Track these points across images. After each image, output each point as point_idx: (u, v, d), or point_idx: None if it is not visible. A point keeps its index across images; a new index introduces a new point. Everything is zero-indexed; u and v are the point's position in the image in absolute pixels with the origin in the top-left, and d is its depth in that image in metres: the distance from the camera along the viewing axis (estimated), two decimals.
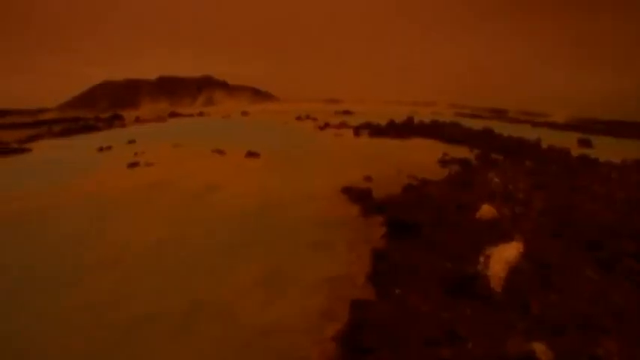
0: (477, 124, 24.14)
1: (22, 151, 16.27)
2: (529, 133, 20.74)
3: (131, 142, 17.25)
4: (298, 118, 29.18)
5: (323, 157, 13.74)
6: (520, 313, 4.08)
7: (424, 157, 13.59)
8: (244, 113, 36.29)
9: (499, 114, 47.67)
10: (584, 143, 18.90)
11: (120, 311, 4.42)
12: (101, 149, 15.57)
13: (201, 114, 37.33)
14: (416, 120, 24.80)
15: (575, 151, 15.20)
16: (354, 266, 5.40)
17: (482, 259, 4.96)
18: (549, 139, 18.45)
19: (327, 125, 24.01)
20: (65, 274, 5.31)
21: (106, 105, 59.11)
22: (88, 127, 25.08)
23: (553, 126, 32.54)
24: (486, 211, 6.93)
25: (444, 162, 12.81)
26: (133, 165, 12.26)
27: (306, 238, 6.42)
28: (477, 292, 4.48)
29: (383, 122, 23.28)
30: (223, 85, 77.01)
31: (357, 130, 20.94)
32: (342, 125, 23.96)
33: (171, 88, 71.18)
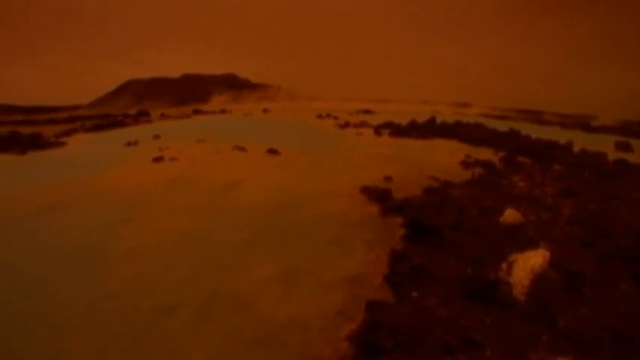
0: (502, 126, 23.28)
1: (58, 145, 17.35)
2: (560, 136, 19.73)
3: (156, 137, 17.92)
4: (319, 117, 29.22)
5: (343, 155, 13.69)
6: (545, 325, 3.89)
7: (446, 159, 13.27)
8: (265, 111, 36.78)
9: (528, 115, 45.64)
10: (623, 147, 17.42)
11: (143, 300, 4.59)
12: (128, 144, 16.29)
13: (223, 111, 38.13)
14: (438, 120, 24.25)
15: (613, 155, 14.19)
16: (372, 266, 5.35)
17: (504, 265, 4.79)
18: (583, 141, 17.52)
19: (347, 124, 23.92)
20: (93, 263, 5.58)
21: (133, 102, 61.56)
22: (116, 123, 26.32)
23: (588, 128, 30.78)
24: (510, 215, 6.68)
25: (466, 164, 12.45)
26: (158, 160, 12.74)
27: (325, 236, 6.42)
28: (497, 299, 4.33)
29: (404, 122, 22.91)
30: (246, 83, 78.32)
31: (378, 130, 20.72)
32: (363, 124, 23.79)
33: (194, 85, 73.17)
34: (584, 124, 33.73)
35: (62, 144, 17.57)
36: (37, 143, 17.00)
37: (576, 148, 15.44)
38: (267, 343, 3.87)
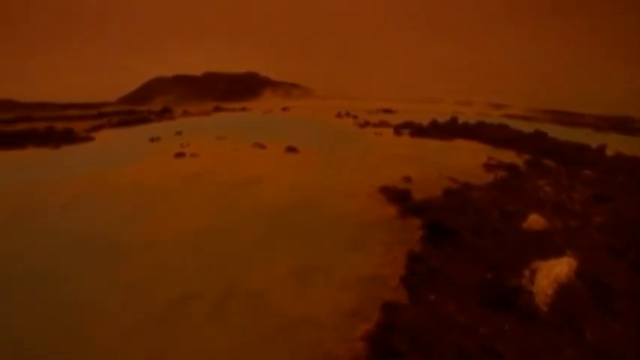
0: (528, 127, 22.37)
1: (88, 139, 18.26)
2: (592, 138, 18.74)
3: (178, 133, 18.44)
4: (338, 115, 29.16)
5: (361, 155, 13.59)
6: (570, 338, 3.71)
7: (467, 160, 12.91)
8: (285, 109, 37.04)
9: (557, 116, 43.28)
10: None
11: (163, 290, 4.75)
12: (152, 139, 16.87)
13: (243, 109, 38.70)
14: (460, 120, 23.60)
15: None
16: (389, 267, 5.29)
17: (527, 272, 4.61)
18: (619, 145, 16.56)
19: (367, 123, 23.73)
20: (116, 252, 5.82)
21: (157, 99, 63.61)
22: (141, 119, 27.31)
23: (625, 130, 28.82)
24: (535, 221, 6.42)
25: (488, 166, 12.07)
26: (179, 155, 13.09)
27: (342, 235, 6.41)
28: (518, 307, 4.16)
29: (425, 122, 22.47)
30: (266, 81, 79.17)
31: (398, 129, 20.45)
32: (383, 123, 23.53)
33: (216, 83, 74.67)
34: (620, 126, 31.74)
35: (91, 139, 18.45)
36: (69, 138, 18.01)
37: (610, 152, 14.61)
38: (280, 338, 3.90)
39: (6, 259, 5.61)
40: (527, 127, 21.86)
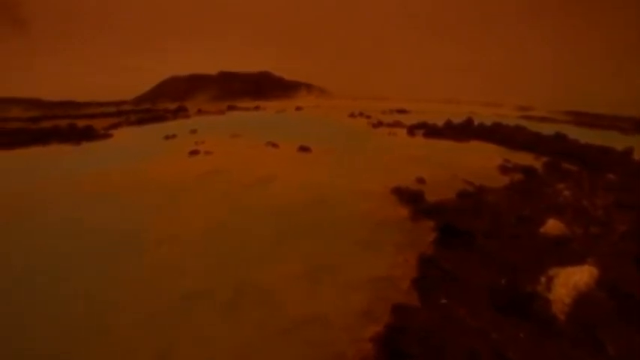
0: (547, 129, 21.69)
1: (107, 136, 18.91)
2: (618, 141, 17.87)
3: (193, 131, 18.78)
4: (351, 115, 29.04)
5: (374, 155, 13.50)
6: (590, 351, 3.54)
7: (482, 162, 12.65)
8: (298, 108, 37.14)
9: (579, 117, 41.51)
10: None
11: (176, 284, 4.85)
12: (167, 137, 17.25)
13: (257, 108, 39.03)
14: (476, 121, 23.10)
15: None
16: (400, 269, 5.24)
17: (543, 278, 4.46)
18: None
19: (380, 123, 23.56)
20: (131, 246, 5.98)
21: (173, 97, 64.90)
22: (157, 117, 28.00)
23: None
24: (552, 226, 6.22)
25: (504, 168, 11.78)
26: (194, 153, 13.33)
27: (354, 235, 6.39)
28: (533, 314, 4.04)
29: (439, 122, 22.11)
30: (279, 81, 79.65)
31: (412, 130, 20.20)
32: (396, 124, 23.31)
33: (230, 82, 75.60)
34: None
35: (110, 136, 19.11)
36: (89, 135, 18.68)
37: (638, 156, 13.99)
38: (290, 336, 3.92)
39: (30, 248, 5.84)
40: (546, 129, 21.22)
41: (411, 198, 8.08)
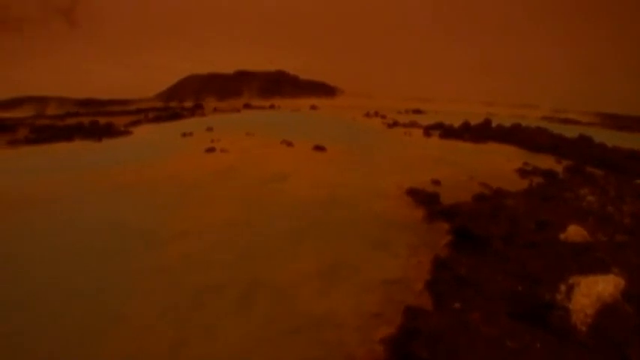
0: (570, 131, 20.95)
1: (126, 133, 19.52)
2: None
3: (209, 129, 19.15)
4: (367, 115, 28.93)
5: (390, 155, 13.40)
6: None
7: (500, 165, 12.35)
8: (313, 107, 37.23)
9: (606, 119, 39.74)
10: None
11: (190, 279, 4.95)
12: (184, 135, 17.63)
13: (272, 106, 39.36)
14: (494, 122, 22.55)
15: None
16: (413, 271, 5.18)
17: (563, 287, 4.30)
18: None
19: (396, 123, 23.35)
20: (148, 240, 6.13)
21: (191, 95, 66.28)
22: (175, 115, 28.66)
23: None
24: (574, 232, 5.98)
25: (523, 172, 11.45)
26: (210, 150, 13.59)
27: (368, 236, 6.36)
28: (551, 324, 3.90)
29: (456, 123, 21.72)
30: (295, 80, 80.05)
31: (428, 131, 19.93)
32: (412, 124, 23.05)
33: (247, 81, 76.52)
34: None
35: (129, 133, 19.76)
36: (110, 132, 19.33)
37: None
38: (301, 335, 3.94)
39: (50, 240, 6.09)
40: (569, 131, 20.50)
41: (426, 199, 7.98)
